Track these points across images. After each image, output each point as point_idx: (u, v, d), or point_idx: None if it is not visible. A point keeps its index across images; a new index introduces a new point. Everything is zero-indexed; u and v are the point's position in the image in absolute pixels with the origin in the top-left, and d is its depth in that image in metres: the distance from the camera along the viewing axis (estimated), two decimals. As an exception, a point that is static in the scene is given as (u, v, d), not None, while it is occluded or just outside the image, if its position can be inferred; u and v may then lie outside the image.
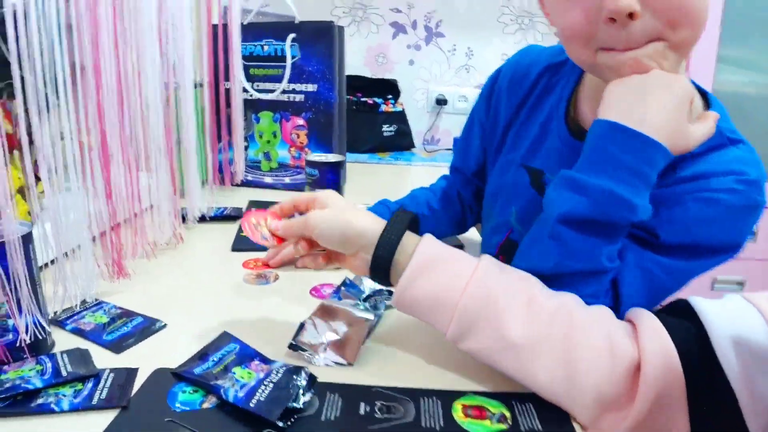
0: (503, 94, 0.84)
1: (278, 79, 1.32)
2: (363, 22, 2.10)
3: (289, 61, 1.30)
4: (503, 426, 0.52)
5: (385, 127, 1.93)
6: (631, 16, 0.54)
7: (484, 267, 0.58)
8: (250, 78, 1.34)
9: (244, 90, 1.32)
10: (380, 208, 0.93)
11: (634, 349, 0.52)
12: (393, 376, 0.60)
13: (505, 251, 0.81)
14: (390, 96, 1.98)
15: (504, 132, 0.84)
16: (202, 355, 0.59)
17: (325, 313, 0.65)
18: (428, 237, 0.61)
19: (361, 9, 2.09)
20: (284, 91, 1.32)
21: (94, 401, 0.52)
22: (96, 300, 0.73)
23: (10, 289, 0.56)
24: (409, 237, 0.60)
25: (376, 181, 1.55)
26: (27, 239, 0.58)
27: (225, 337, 0.63)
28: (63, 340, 0.64)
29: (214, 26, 1.20)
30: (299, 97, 1.32)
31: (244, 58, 1.32)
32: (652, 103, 0.56)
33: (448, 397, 0.56)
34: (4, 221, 0.56)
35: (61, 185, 0.68)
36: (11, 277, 0.56)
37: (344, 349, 0.62)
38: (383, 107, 1.94)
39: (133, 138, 0.81)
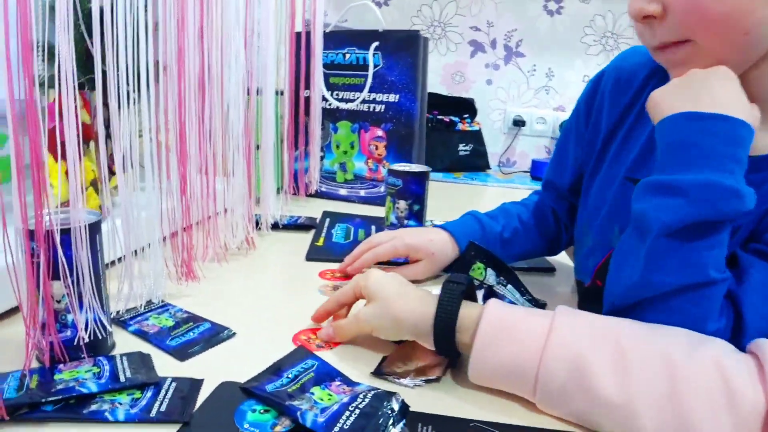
0: (606, 99, 0.74)
1: (359, 89, 1.27)
2: (441, 39, 2.05)
3: (371, 70, 1.25)
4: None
5: (461, 146, 1.86)
6: (653, 17, 0.54)
7: (559, 323, 0.50)
8: (330, 86, 1.30)
9: (324, 99, 1.28)
10: (469, 219, 0.84)
11: (758, 394, 0.43)
12: (493, 406, 0.51)
13: (603, 276, 0.71)
14: (467, 115, 1.91)
15: (605, 142, 0.74)
16: (275, 370, 0.52)
17: (406, 348, 0.59)
18: (491, 304, 0.54)
19: (439, 27, 2.04)
20: (364, 101, 1.27)
21: (153, 413, 0.46)
22: (162, 302, 0.68)
23: (72, 282, 0.51)
24: (467, 312, 0.53)
25: (451, 200, 1.46)
26: (94, 229, 0.53)
27: (301, 352, 0.56)
28: (124, 342, 0.59)
29: (297, 34, 1.17)
30: (379, 108, 1.26)
31: (325, 66, 1.28)
32: (713, 87, 0.53)
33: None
34: (72, 209, 0.51)
35: (135, 181, 0.63)
36: (74, 269, 0.51)
37: (433, 370, 0.55)
38: (459, 126, 1.86)
39: (212, 137, 0.76)
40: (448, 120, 1.86)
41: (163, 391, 0.49)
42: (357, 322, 0.59)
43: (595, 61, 2.00)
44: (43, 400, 0.46)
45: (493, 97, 2.05)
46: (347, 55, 1.27)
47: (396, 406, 0.44)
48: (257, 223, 0.97)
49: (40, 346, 0.52)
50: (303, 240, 0.98)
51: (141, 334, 0.60)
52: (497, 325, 0.51)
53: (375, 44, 1.23)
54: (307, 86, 1.21)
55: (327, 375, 0.51)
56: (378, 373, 0.54)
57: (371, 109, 1.27)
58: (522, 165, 2.07)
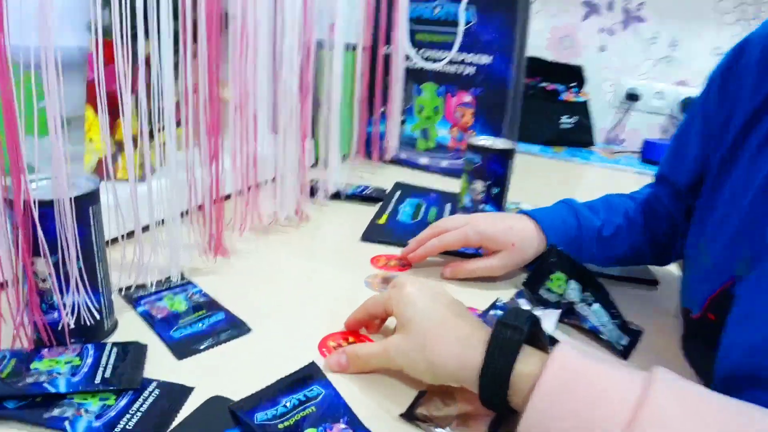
0: (749, 74, 0.56)
1: (448, 47, 1.13)
2: (552, -1, 1.84)
3: (461, 27, 1.10)
4: None
5: (563, 119, 1.67)
6: None
7: (656, 397, 0.34)
8: (415, 44, 1.17)
9: (407, 57, 1.16)
10: (562, 208, 0.70)
11: None
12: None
13: (719, 308, 0.54)
14: (573, 84, 1.71)
15: (745, 131, 0.56)
16: (274, 393, 0.43)
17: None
18: (557, 355, 0.38)
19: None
20: (452, 62, 1.13)
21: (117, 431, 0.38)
22: (183, 279, 0.61)
23: (55, 262, 0.44)
24: (525, 369, 0.38)
25: (544, 179, 1.30)
26: (87, 200, 0.45)
27: (312, 371, 0.46)
28: (128, 324, 0.52)
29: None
30: (469, 70, 1.12)
31: (411, 20, 1.15)
32: None
33: None
34: (54, 177, 0.43)
35: (168, 141, 0.55)
36: (59, 245, 0.43)
37: (479, 421, 0.42)
38: (564, 95, 1.67)
39: (255, 95, 0.67)
40: (551, 88, 1.67)
41: (140, 400, 0.41)
42: (385, 354, 0.47)
43: (730, 31, 1.71)
44: (7, 395, 0.40)
45: (606, 65, 1.83)
46: (437, 9, 1.13)
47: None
48: (313, 192, 0.88)
49: (24, 326, 0.45)
50: (366, 214, 0.88)
51: (148, 318, 0.53)
52: (562, 385, 0.36)
53: (468, -3, 1.08)
54: (388, 42, 1.09)
55: (332, 412, 0.41)
56: (409, 415, 0.43)
57: (460, 72, 1.13)
58: (632, 144, 1.84)
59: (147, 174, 0.56)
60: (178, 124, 0.69)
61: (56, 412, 0.39)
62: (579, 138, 1.69)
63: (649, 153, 1.59)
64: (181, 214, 0.61)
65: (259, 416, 0.39)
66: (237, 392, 0.43)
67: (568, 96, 1.68)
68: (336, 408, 0.41)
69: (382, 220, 0.87)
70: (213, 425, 0.40)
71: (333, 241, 0.79)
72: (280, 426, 0.38)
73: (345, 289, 0.64)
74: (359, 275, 0.67)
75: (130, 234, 0.55)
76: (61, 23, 0.44)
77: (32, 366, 0.43)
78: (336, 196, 0.93)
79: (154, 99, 0.54)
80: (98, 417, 0.39)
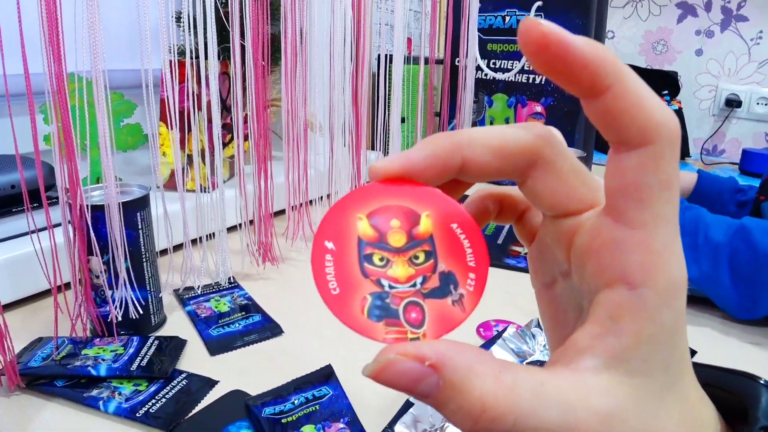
0: None
1: (517, 56, 1.12)
2: (643, 1, 1.76)
3: (531, 36, 1.09)
4: None
5: (652, 128, 1.59)
6: None
7: None
8: (486, 54, 1.17)
9: (478, 68, 1.16)
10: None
11: None
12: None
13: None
14: (665, 91, 1.62)
15: None
16: (287, 390, 0.45)
17: None
18: None
19: (645, -14, 1.75)
20: (523, 70, 1.12)
21: (140, 413, 0.42)
22: (232, 283, 0.65)
23: (105, 261, 0.49)
24: None
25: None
26: (136, 206, 0.50)
27: (325, 373, 0.48)
28: (176, 321, 0.57)
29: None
30: (539, 79, 1.10)
31: (481, 30, 1.15)
32: None
33: None
34: (105, 185, 0.48)
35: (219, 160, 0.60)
36: (110, 246, 0.49)
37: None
38: (655, 104, 1.59)
39: (306, 107, 0.70)
40: (639, 96, 1.60)
41: (168, 388, 0.45)
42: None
43: None
44: (58, 374, 0.45)
45: (703, 70, 1.72)
46: (507, 18, 1.13)
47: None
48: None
49: (81, 317, 0.51)
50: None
51: (193, 317, 0.58)
52: None
53: (538, 4, 1.07)
54: (457, 53, 1.10)
55: (334, 413, 0.42)
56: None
57: (530, 81, 1.12)
58: (732, 155, 1.72)
59: (208, 187, 0.61)
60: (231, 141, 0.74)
61: (94, 392, 0.44)
62: (670, 148, 1.61)
63: (747, 164, 1.47)
64: (240, 225, 0.66)
65: (267, 410, 0.42)
66: (258, 388, 0.46)
67: (659, 104, 1.60)
68: (339, 408, 0.43)
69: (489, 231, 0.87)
70: (227, 415, 0.43)
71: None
72: (284, 421, 0.41)
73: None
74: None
75: (194, 241, 0.61)
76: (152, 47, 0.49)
77: (83, 352, 0.48)
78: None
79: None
80: (128, 400, 0.44)
